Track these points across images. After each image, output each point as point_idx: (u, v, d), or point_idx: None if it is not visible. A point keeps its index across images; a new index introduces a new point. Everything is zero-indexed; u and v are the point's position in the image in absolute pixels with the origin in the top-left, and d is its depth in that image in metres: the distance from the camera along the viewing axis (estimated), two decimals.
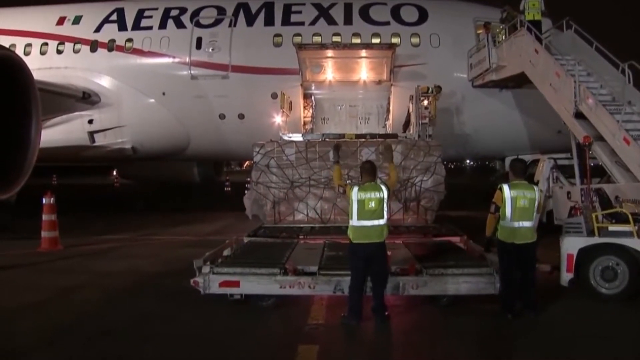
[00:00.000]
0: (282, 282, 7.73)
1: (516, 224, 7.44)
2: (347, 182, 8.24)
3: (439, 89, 15.46)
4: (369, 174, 7.57)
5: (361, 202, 7.22)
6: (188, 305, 8.01)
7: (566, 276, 8.16)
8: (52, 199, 13.70)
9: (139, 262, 11.78)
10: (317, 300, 8.13)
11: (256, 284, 7.73)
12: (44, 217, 13.47)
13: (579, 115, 12.34)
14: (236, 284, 7.75)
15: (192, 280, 7.86)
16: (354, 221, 7.28)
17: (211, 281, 7.75)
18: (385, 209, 7.34)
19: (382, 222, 7.30)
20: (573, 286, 8.20)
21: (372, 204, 7.22)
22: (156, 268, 11.09)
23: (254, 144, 13.57)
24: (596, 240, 8.13)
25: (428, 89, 15.31)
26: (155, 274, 10.51)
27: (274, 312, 7.81)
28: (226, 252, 9.44)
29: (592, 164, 11.90)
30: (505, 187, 7.54)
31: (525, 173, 8.03)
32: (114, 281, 9.94)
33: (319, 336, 6.80)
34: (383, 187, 7.38)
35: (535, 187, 7.75)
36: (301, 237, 11.01)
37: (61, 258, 12.37)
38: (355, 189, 7.32)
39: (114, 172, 64.99)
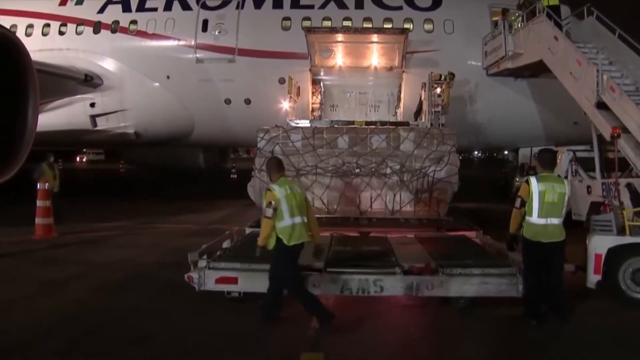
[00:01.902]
0: None
1: (543, 221, 6.78)
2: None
3: (452, 76, 15.03)
4: (278, 169, 7.06)
5: (287, 199, 6.65)
6: (181, 303, 7.45)
7: (593, 278, 7.53)
8: (46, 184, 13.32)
9: (137, 251, 11.35)
10: (322, 300, 7.36)
11: (256, 281, 7.07)
12: (38, 203, 13.06)
13: (601, 106, 11.74)
14: (234, 280, 7.14)
15: (186, 275, 7.23)
16: (287, 220, 6.62)
17: (207, 277, 7.14)
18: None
19: (305, 219, 6.79)
20: (600, 289, 7.59)
21: (297, 198, 6.73)
22: (154, 259, 10.61)
23: (258, 129, 13.05)
24: (627, 239, 7.51)
25: (441, 76, 14.84)
26: (152, 266, 9.99)
27: None
28: (226, 244, 8.87)
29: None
30: (533, 180, 6.86)
31: (554, 164, 7.36)
32: (105, 273, 9.44)
33: (324, 342, 6.19)
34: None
35: (566, 181, 7.11)
36: None
37: (54, 246, 11.91)
38: (276, 186, 6.72)
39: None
